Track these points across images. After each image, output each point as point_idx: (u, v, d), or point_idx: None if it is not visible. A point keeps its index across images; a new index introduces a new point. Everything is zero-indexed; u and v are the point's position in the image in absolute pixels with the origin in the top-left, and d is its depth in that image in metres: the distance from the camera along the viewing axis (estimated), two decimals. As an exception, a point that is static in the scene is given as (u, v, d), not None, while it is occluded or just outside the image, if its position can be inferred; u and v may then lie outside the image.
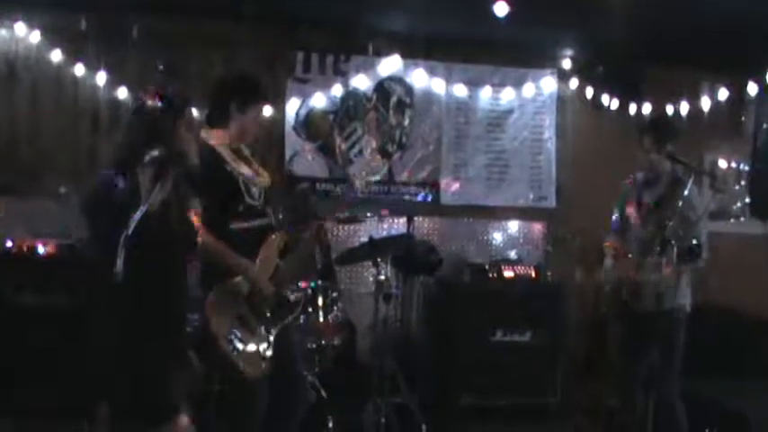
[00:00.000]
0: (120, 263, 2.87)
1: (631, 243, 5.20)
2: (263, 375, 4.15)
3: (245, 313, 4.15)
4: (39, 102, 6.65)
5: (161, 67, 6.53)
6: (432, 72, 7.47)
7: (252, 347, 4.12)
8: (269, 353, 4.17)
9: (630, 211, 5.28)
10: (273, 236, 4.35)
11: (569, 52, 7.65)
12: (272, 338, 4.21)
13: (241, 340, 4.07)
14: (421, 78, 7.46)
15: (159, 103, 3.39)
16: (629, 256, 5.13)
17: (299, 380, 4.57)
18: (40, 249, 6.12)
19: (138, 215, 2.94)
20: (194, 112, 3.72)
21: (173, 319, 3.45)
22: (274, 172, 6.16)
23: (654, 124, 5.47)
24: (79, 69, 6.59)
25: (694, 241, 4.65)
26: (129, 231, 2.90)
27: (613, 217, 5.43)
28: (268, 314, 4.25)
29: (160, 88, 3.64)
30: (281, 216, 4.56)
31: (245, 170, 4.30)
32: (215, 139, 4.26)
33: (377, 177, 4.80)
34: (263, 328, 4.21)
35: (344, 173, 7.21)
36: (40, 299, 5.83)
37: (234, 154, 4.31)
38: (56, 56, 6.55)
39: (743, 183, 8.05)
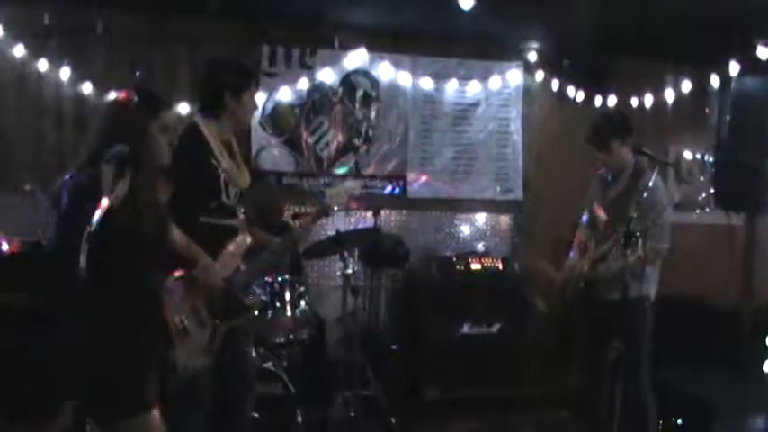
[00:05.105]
0: (83, 258, 2.86)
1: (598, 236, 5.23)
2: (203, 368, 4.09)
3: (197, 304, 4.08)
4: (1, 97, 6.58)
5: (138, 71, 6.49)
6: (398, 65, 7.48)
7: (197, 339, 4.06)
8: (213, 347, 4.12)
9: (597, 207, 5.31)
10: (241, 237, 4.30)
11: (535, 45, 7.68)
12: (220, 334, 4.14)
13: (188, 329, 4.02)
14: (387, 72, 7.47)
15: (133, 102, 3.40)
16: (594, 246, 5.17)
17: (247, 376, 4.54)
18: (4, 247, 6.07)
19: (100, 211, 2.93)
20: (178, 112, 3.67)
21: (141, 314, 3.43)
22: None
23: (594, 128, 5.27)
24: (43, 65, 6.53)
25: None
26: (92, 227, 2.88)
27: (583, 218, 5.45)
28: (221, 309, 4.18)
29: (135, 88, 3.64)
30: (243, 211, 4.52)
31: (228, 167, 4.23)
32: (208, 129, 4.21)
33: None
34: (213, 323, 4.14)
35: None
36: (4, 297, 5.77)
37: (225, 148, 4.26)
38: (18, 51, 6.47)
39: (707, 174, 8.13)
